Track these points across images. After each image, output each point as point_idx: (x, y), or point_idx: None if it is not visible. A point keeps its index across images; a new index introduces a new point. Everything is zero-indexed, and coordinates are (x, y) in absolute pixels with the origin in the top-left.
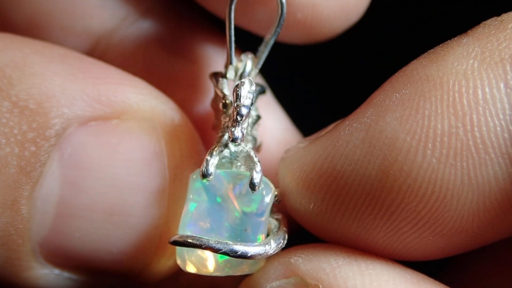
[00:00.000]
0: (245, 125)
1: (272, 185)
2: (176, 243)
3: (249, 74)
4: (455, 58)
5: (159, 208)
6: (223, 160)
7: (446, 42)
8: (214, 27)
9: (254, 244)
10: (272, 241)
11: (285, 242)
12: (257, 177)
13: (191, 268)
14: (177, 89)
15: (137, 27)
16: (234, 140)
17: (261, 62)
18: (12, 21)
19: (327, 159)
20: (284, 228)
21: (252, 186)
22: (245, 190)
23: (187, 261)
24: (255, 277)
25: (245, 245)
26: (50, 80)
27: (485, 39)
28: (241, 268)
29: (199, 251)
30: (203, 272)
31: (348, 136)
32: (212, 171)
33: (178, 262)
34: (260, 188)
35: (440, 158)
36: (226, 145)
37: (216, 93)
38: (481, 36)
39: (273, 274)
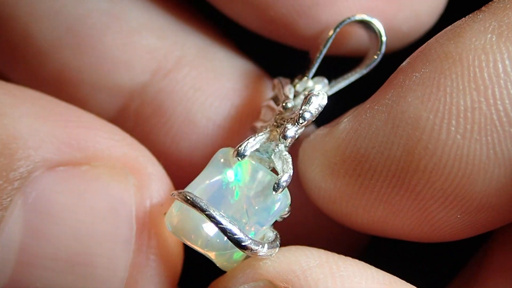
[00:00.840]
0: (300, 131)
1: (289, 199)
2: (184, 197)
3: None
4: (472, 34)
5: (124, 259)
6: (256, 153)
7: (462, 19)
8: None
9: (251, 238)
10: (266, 245)
11: (273, 255)
12: (285, 180)
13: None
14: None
15: (171, 78)
16: (285, 137)
17: (333, 91)
18: (39, 76)
19: (350, 143)
20: (278, 243)
21: (277, 186)
22: (265, 188)
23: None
24: (223, 280)
25: (244, 234)
26: (18, 121)
27: (501, 13)
28: (218, 255)
29: (196, 219)
30: (188, 238)
31: (370, 118)
32: (248, 154)
33: (167, 220)
34: (280, 194)
35: (465, 134)
36: (271, 140)
37: (275, 95)
38: (497, 11)
39: (242, 277)
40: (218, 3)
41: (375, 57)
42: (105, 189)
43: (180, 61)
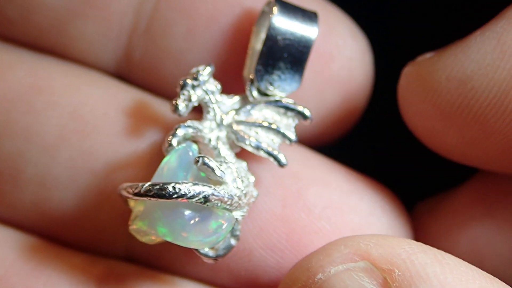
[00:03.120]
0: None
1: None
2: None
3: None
4: None
5: None
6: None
7: None
8: None
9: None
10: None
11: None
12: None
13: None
14: None
15: None
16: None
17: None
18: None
19: (458, 63)
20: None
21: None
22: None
23: None
24: (314, 259)
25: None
26: None
27: None
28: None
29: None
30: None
31: (480, 43)
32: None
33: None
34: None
35: None
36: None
37: None
38: None
39: (339, 257)
40: None
41: None
42: None
43: None
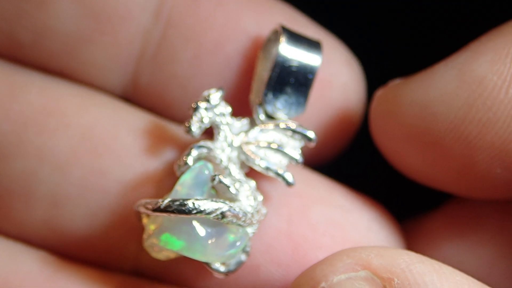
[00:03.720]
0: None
1: None
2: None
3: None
4: None
5: None
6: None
7: None
8: None
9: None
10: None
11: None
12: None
13: None
14: None
15: None
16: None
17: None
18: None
19: (422, 89)
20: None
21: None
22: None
23: None
24: (318, 268)
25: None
26: None
27: None
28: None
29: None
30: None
31: (443, 72)
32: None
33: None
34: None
35: None
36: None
37: None
38: None
39: (341, 267)
40: None
41: None
42: None
43: None
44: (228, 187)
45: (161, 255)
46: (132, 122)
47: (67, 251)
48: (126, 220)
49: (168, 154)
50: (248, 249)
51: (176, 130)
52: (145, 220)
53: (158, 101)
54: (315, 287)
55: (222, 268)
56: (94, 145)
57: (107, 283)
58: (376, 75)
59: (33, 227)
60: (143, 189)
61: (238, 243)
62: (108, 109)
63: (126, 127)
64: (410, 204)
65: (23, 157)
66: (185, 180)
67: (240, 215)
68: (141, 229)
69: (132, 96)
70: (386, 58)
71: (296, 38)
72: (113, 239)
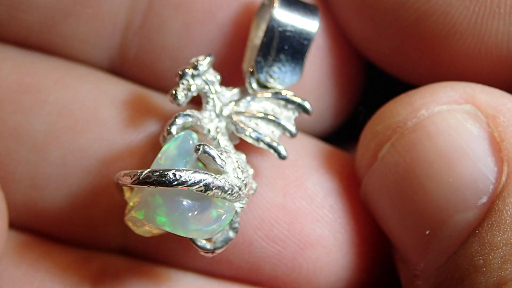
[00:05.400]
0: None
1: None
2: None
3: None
4: None
5: None
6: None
7: None
8: None
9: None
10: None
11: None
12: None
13: None
14: None
15: None
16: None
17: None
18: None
19: None
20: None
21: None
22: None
23: None
24: (418, 95)
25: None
26: None
27: None
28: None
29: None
30: None
31: None
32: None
33: None
34: None
35: None
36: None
37: None
38: None
39: (444, 97)
40: None
41: None
42: None
43: None
44: (213, 157)
45: (143, 231)
46: (113, 94)
47: (50, 232)
48: (110, 198)
49: (153, 126)
50: (236, 225)
51: (162, 100)
52: (128, 194)
53: (147, 73)
54: (413, 114)
55: (208, 245)
56: (73, 122)
57: (87, 269)
58: None
59: (13, 210)
60: (126, 165)
61: (223, 217)
62: (88, 82)
63: (107, 100)
64: None
65: None
66: (168, 150)
67: (226, 188)
68: (125, 205)
69: (121, 69)
70: None
71: (292, 2)
72: (97, 218)
